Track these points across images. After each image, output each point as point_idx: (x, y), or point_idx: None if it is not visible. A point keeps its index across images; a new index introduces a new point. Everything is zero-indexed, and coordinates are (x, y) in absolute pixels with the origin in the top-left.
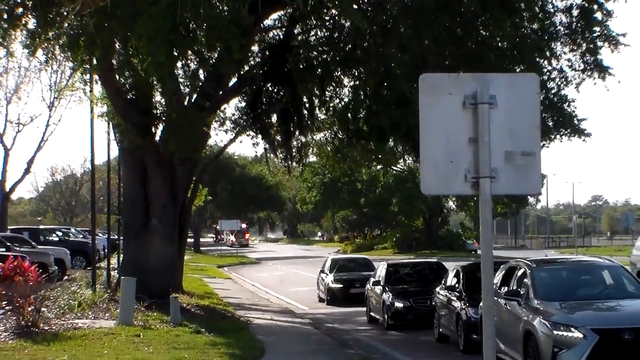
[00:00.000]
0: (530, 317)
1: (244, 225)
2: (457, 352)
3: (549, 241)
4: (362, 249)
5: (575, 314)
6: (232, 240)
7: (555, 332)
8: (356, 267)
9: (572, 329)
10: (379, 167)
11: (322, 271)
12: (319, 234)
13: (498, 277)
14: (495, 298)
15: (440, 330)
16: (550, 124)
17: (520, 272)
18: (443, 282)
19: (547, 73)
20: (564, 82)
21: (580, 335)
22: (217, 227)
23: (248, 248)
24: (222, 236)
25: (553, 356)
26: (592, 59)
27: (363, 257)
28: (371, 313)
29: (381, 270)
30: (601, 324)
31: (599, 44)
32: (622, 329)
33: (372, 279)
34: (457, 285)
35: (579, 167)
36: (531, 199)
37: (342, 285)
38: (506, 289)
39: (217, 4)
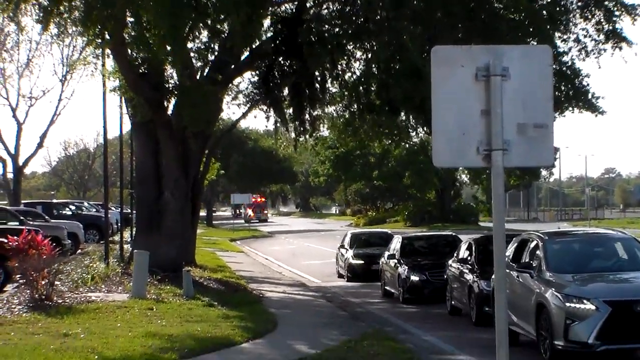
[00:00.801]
0: (543, 290)
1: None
2: (470, 324)
3: (561, 214)
4: (375, 222)
5: (587, 286)
6: (250, 215)
7: (568, 304)
8: (377, 242)
9: (585, 301)
10: (390, 141)
11: (341, 246)
12: (333, 208)
13: (510, 250)
14: (508, 271)
15: (453, 303)
16: (559, 94)
17: (532, 245)
18: (455, 254)
19: (563, 44)
20: (584, 54)
21: (593, 307)
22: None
23: (267, 223)
24: (240, 210)
25: (565, 328)
26: (609, 27)
27: (384, 232)
28: (386, 287)
29: (396, 243)
30: (614, 296)
31: (617, 13)
32: (634, 301)
33: (386, 253)
34: (469, 258)
35: (592, 140)
36: (544, 172)
37: (363, 262)
38: (519, 261)
39: None
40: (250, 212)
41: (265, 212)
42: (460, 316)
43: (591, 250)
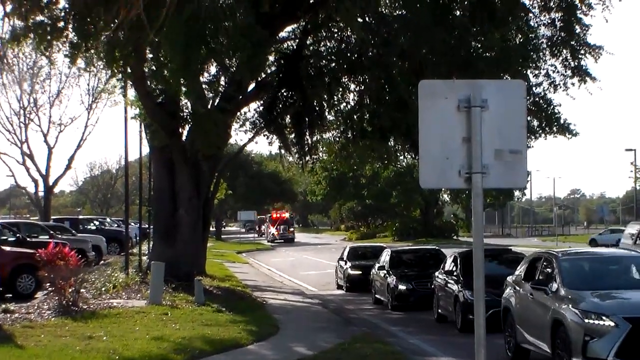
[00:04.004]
0: (559, 306)
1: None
2: (454, 330)
3: (532, 230)
4: (366, 237)
5: (605, 302)
6: (273, 234)
7: (587, 321)
8: (373, 255)
9: (604, 318)
10: (379, 164)
11: (340, 259)
12: (327, 225)
13: (522, 268)
14: (519, 289)
15: (440, 311)
16: (536, 123)
17: (545, 263)
18: (442, 267)
19: (535, 78)
20: (552, 88)
21: (612, 324)
22: (256, 219)
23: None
24: (262, 227)
25: (584, 345)
26: (575, 63)
27: (380, 246)
28: (376, 295)
29: (385, 256)
30: (633, 312)
31: (582, 51)
32: None
33: (377, 264)
34: (454, 270)
35: (559, 164)
36: (517, 193)
37: (360, 272)
38: (531, 279)
39: (228, 20)
40: (273, 230)
41: (292, 229)
42: (446, 323)
43: (605, 268)
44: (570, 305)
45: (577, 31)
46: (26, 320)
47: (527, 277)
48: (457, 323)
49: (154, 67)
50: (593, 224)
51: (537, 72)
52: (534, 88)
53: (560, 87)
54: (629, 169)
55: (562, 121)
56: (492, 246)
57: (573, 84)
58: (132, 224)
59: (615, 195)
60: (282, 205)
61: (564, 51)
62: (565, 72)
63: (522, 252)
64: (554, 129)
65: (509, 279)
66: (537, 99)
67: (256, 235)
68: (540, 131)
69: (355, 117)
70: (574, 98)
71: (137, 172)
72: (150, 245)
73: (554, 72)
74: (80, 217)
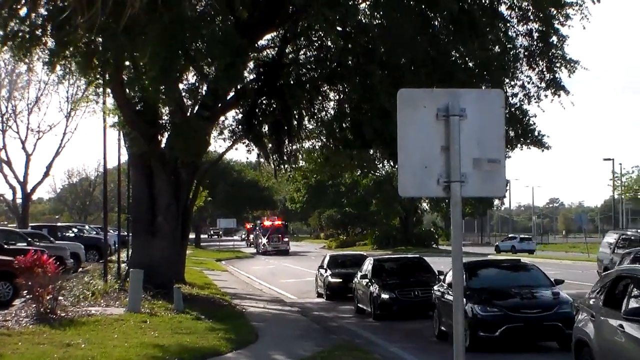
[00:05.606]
0: None
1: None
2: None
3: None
4: (345, 245)
5: None
6: (264, 245)
7: None
8: (353, 263)
9: None
10: (359, 172)
11: (320, 267)
12: (307, 233)
13: (599, 292)
14: (599, 316)
15: (442, 327)
16: (512, 133)
17: (636, 285)
18: (442, 279)
19: (511, 88)
20: (527, 99)
21: None
22: (249, 227)
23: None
24: (251, 237)
25: None
26: (550, 76)
27: (360, 254)
28: (359, 304)
29: (368, 264)
30: None
31: (557, 64)
32: None
33: (359, 273)
34: None
35: (538, 173)
36: (496, 201)
37: (340, 280)
38: (616, 305)
39: (207, 28)
40: (264, 240)
41: (286, 239)
42: (447, 340)
43: None
44: None
45: (554, 42)
46: (3, 327)
47: (608, 303)
48: (465, 340)
49: (132, 75)
50: (572, 232)
51: (513, 82)
52: (510, 99)
53: (534, 99)
54: (607, 178)
55: (536, 133)
56: (472, 255)
57: (546, 96)
58: (111, 231)
59: (593, 204)
60: (262, 212)
61: (540, 63)
62: (540, 84)
63: (532, 263)
64: (528, 140)
65: (581, 302)
66: (513, 109)
67: (244, 244)
68: (516, 142)
69: (335, 126)
70: (544, 111)
71: (116, 180)
72: (129, 253)
73: (529, 83)
74: (59, 224)
